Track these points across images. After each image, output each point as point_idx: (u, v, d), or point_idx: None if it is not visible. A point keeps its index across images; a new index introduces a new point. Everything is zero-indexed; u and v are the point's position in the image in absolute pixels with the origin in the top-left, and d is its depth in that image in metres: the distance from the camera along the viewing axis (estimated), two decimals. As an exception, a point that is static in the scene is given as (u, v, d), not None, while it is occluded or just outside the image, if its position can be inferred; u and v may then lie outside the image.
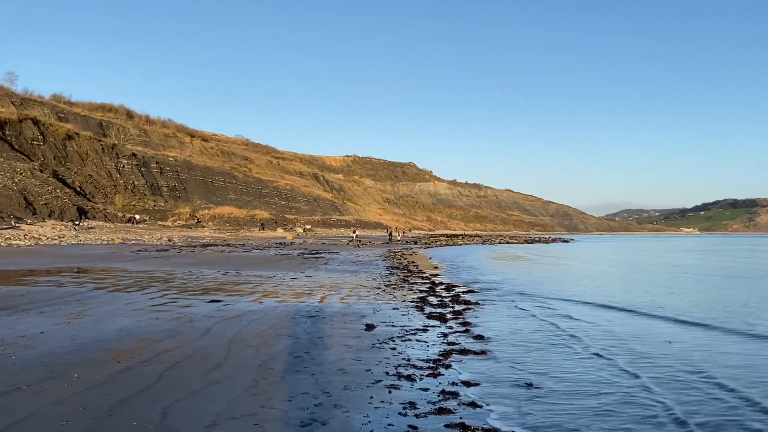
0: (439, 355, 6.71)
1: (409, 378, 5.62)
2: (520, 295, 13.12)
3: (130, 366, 5.60)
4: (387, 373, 5.74)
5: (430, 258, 32.38)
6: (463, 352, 6.91)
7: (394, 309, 10.34)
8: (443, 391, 5.23)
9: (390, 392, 5.13)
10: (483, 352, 6.91)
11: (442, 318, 9.41)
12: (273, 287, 13.55)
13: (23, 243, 33.41)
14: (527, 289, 14.57)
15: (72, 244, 36.68)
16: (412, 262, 27.13)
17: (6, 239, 35.63)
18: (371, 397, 4.94)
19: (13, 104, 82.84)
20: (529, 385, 5.59)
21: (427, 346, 7.19)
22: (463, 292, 13.61)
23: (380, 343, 7.16)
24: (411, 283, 15.50)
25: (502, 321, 9.42)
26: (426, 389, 5.31)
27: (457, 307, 10.86)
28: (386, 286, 14.69)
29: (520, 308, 11.08)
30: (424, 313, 9.90)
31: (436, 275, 18.96)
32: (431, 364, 6.20)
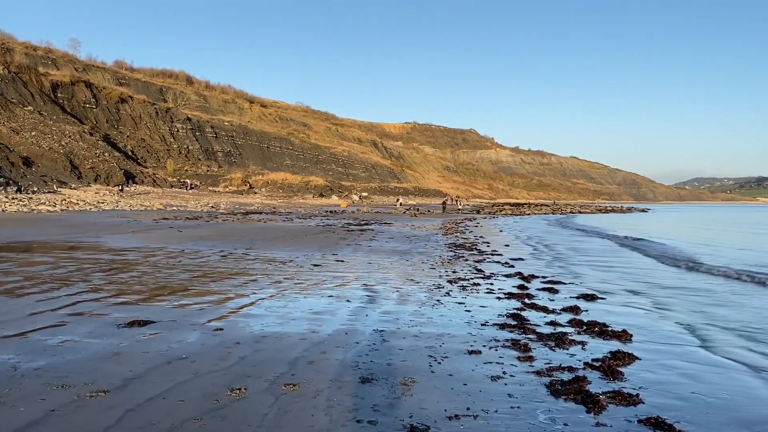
0: None
1: None
2: (712, 324, 7.44)
3: None
4: None
5: (501, 231, 26.81)
6: None
7: (470, 353, 5.17)
8: None
9: None
10: None
11: (586, 397, 4.11)
12: (274, 284, 8.69)
13: (47, 209, 30.48)
14: (713, 307, 8.76)
15: (105, 210, 33.66)
16: (480, 236, 21.74)
17: (37, 205, 32.95)
18: None
19: (75, 69, 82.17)
20: None
21: None
22: (582, 299, 8.18)
23: None
24: (487, 277, 10.24)
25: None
26: None
27: (593, 342, 5.57)
28: (450, 282, 9.51)
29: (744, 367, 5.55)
30: (536, 371, 4.67)
31: (519, 260, 13.55)
32: None
